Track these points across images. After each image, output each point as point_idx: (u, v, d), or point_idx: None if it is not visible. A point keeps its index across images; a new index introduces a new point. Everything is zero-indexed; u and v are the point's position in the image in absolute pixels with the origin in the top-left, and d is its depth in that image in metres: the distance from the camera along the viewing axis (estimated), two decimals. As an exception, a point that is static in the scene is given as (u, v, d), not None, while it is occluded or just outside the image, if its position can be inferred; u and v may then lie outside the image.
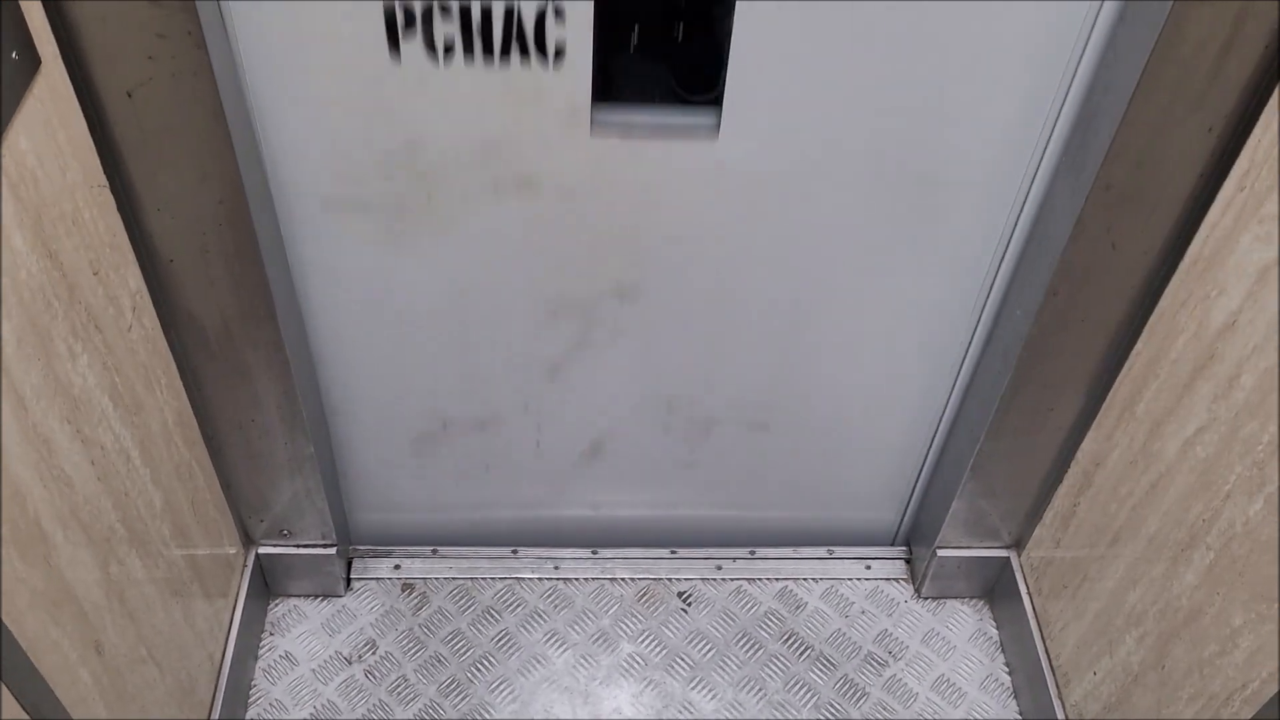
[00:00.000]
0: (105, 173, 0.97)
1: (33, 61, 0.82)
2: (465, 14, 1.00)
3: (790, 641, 1.56)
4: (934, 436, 1.51)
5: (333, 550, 1.50)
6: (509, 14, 1.00)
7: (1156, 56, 0.93)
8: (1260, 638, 0.96)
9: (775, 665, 1.53)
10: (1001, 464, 1.37)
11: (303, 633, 1.54)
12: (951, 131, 1.11)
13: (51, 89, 0.86)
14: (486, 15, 1.00)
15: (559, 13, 1.00)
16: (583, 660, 1.53)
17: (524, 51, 1.04)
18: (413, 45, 1.02)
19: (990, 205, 1.19)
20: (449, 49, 1.03)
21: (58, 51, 0.87)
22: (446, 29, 1.01)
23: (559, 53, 1.04)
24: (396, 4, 0.99)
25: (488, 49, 1.03)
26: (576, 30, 1.02)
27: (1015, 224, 1.21)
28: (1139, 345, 1.17)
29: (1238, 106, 0.97)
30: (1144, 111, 0.97)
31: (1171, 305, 1.11)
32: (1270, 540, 0.95)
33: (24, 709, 0.85)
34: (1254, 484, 0.97)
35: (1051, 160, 1.14)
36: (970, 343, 1.37)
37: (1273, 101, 0.94)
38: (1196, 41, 0.92)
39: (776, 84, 1.07)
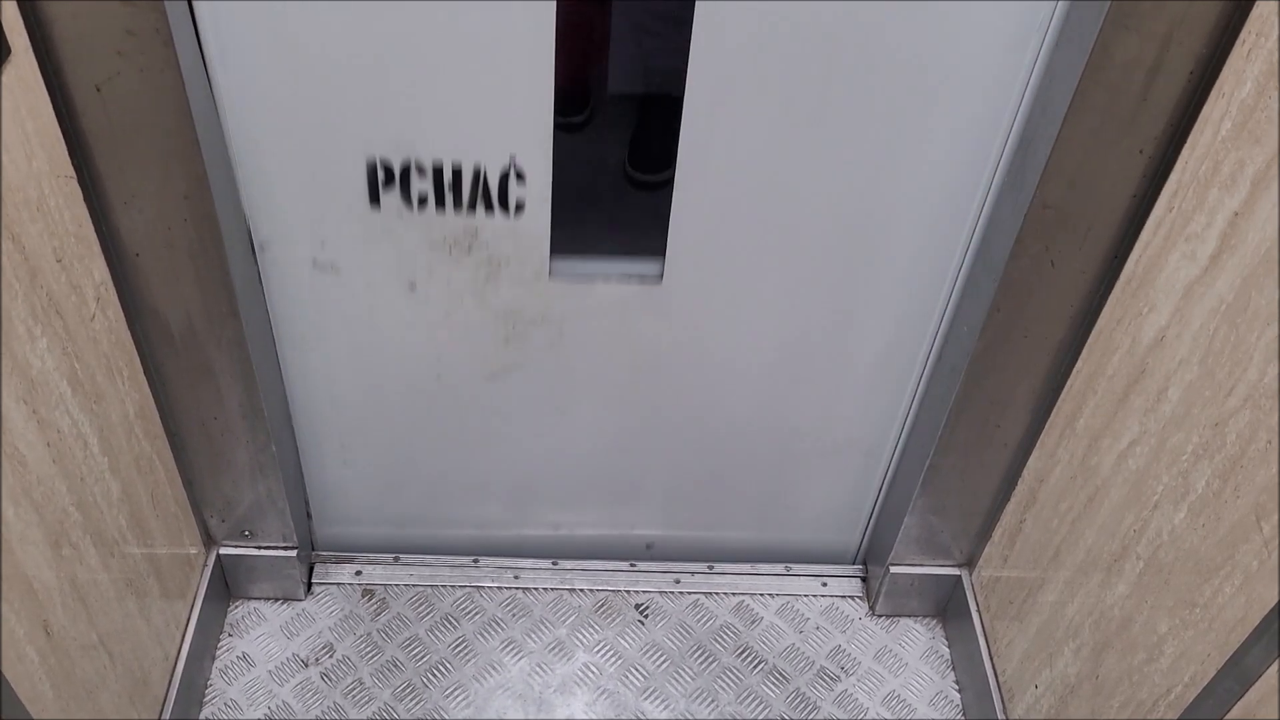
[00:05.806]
0: (73, 164, 1.00)
1: (2, 51, 0.85)
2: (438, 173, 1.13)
3: (744, 655, 1.57)
4: (890, 459, 1.54)
5: (293, 553, 1.52)
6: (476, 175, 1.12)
7: (1086, 79, 0.97)
8: (1183, 643, 0.99)
9: (728, 678, 1.55)
10: (951, 480, 1.40)
11: (261, 635, 1.55)
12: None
13: (20, 79, 0.89)
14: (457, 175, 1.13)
15: (520, 175, 1.12)
16: (538, 668, 1.54)
17: (489, 207, 1.16)
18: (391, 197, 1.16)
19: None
20: (423, 201, 1.16)
21: (29, 44, 0.90)
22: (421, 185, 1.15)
23: (519, 207, 1.16)
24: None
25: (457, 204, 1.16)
26: (536, 189, 1.14)
27: (968, 244, 1.25)
28: (1080, 362, 1.20)
29: (1166, 129, 1.01)
30: (1077, 133, 1.01)
31: (1109, 322, 1.14)
32: (1192, 548, 0.98)
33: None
34: (1179, 493, 1.00)
35: (999, 180, 1.18)
36: (925, 363, 1.40)
37: (1198, 124, 0.98)
38: (1124, 65, 0.96)
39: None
